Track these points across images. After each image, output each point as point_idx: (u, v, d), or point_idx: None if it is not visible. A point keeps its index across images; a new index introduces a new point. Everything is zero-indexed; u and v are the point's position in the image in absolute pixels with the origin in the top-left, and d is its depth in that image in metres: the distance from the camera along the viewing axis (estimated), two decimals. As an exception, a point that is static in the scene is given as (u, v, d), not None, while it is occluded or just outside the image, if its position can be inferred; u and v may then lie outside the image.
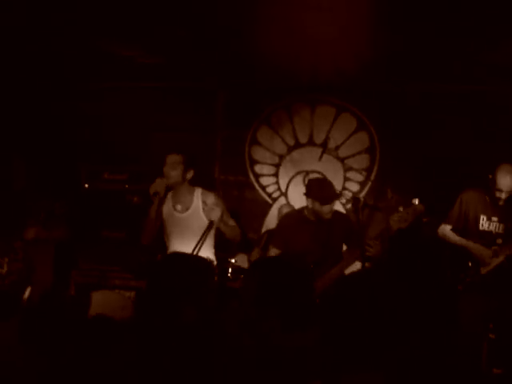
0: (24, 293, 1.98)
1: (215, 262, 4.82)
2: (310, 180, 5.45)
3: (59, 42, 5.56)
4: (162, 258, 3.92)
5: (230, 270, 6.02)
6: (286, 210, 6.41)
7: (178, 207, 4.74)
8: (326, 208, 4.75)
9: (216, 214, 4.51)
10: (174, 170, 4.64)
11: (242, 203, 7.23)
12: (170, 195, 4.80)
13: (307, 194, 4.88)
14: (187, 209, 4.73)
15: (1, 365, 1.82)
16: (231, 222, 4.79)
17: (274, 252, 4.87)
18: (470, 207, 5.22)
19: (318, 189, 4.86)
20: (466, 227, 5.22)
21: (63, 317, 2.83)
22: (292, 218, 5.10)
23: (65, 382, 1.87)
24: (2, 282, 1.88)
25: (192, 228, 4.63)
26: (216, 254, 4.90)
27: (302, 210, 5.03)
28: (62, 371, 1.86)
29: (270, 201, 7.24)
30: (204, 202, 4.70)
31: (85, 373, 1.89)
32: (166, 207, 4.77)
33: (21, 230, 4.80)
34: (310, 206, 4.82)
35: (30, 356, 1.86)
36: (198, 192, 4.77)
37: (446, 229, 5.30)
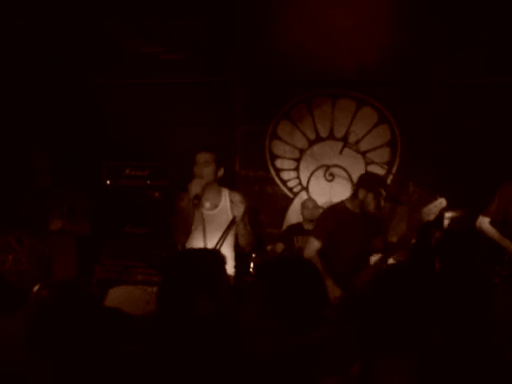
0: (31, 289, 1.97)
1: (234, 257, 4.81)
2: (366, 172, 5.38)
3: (82, 39, 5.59)
4: (172, 255, 3.92)
5: (251, 264, 6.04)
6: (310, 204, 6.41)
7: (207, 205, 4.71)
8: (378, 201, 4.76)
9: (240, 210, 4.49)
10: (206, 168, 4.60)
11: (262, 198, 7.23)
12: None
13: (362, 185, 4.87)
14: (216, 206, 4.71)
15: (5, 363, 1.81)
16: (248, 228, 4.78)
17: (315, 245, 4.84)
18: (509, 201, 5.16)
19: (375, 181, 4.93)
20: (506, 220, 5.16)
21: (80, 311, 2.82)
22: (336, 210, 5.08)
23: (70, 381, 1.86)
24: (7, 277, 1.89)
25: (218, 225, 4.61)
26: (237, 251, 4.89)
27: (343, 203, 5.03)
28: (69, 371, 1.85)
29: (291, 195, 7.23)
30: (231, 201, 4.69)
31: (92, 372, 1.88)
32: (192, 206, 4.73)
33: (45, 223, 4.83)
34: (362, 197, 4.82)
35: (35, 355, 1.85)
36: (226, 191, 4.77)
37: (483, 221, 5.23)
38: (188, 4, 4.76)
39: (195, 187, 4.52)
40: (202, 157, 4.62)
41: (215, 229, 4.61)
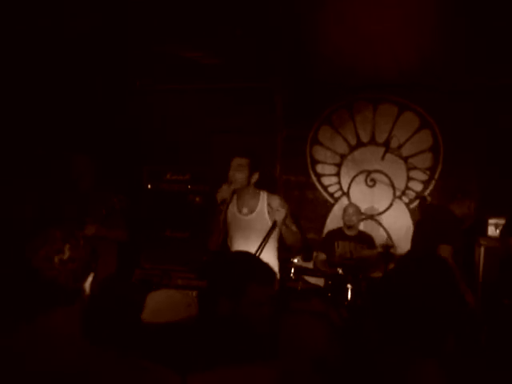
0: (85, 280, 2.00)
1: (277, 264, 4.79)
2: None
3: (125, 44, 5.66)
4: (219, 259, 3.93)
5: (292, 270, 6.02)
6: (351, 210, 6.36)
7: (244, 210, 4.71)
8: None
9: (280, 215, 4.46)
10: (239, 173, 4.60)
11: (303, 203, 7.21)
12: (234, 198, 4.78)
13: None
14: (252, 211, 4.70)
15: (61, 359, 1.82)
16: (294, 228, 4.74)
17: None
18: None
19: None
20: None
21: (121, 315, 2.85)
22: None
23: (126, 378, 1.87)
24: (63, 268, 1.90)
25: (256, 230, 4.60)
26: (279, 256, 4.87)
27: None
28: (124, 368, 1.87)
29: (331, 201, 7.19)
30: (269, 205, 4.65)
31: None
32: (231, 210, 4.73)
33: (81, 227, 4.90)
34: None
35: (93, 350, 1.87)
36: (264, 195, 4.73)
37: None
38: (228, 8, 4.77)
39: (222, 192, 4.55)
40: (236, 161, 4.62)
41: (253, 234, 4.61)
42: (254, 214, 4.69)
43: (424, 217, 5.66)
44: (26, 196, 5.80)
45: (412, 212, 6.82)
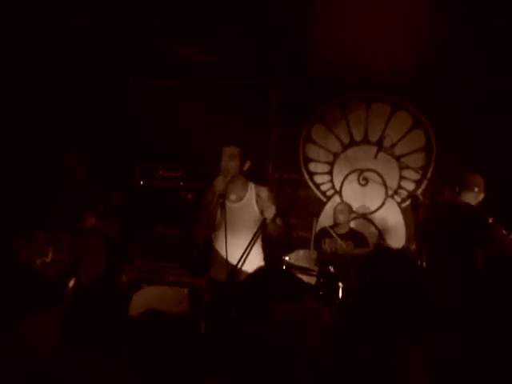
0: (68, 283, 1.99)
1: (262, 260, 4.80)
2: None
3: (120, 41, 5.64)
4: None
5: (283, 267, 6.01)
6: (343, 208, 6.36)
7: (232, 197, 4.71)
8: None
9: (271, 212, 4.46)
10: (233, 161, 4.61)
11: (295, 201, 7.22)
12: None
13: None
14: (241, 199, 4.71)
15: (41, 361, 1.82)
16: (278, 221, 4.75)
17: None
18: None
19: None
20: None
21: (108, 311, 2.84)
22: None
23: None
24: (45, 271, 1.90)
25: (243, 218, 4.61)
26: (264, 252, 4.88)
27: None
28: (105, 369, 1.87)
29: (324, 199, 7.20)
30: (257, 195, 4.69)
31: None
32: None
33: (79, 220, 4.89)
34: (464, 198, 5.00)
35: (71, 353, 1.87)
36: (252, 185, 4.77)
37: None
38: (224, 6, 4.77)
39: (220, 184, 4.52)
40: (228, 150, 4.64)
41: (241, 223, 4.62)
42: (242, 202, 4.71)
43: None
44: (10, 196, 5.78)
45: (404, 211, 6.84)
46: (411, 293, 1.79)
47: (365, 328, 1.88)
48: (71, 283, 2.00)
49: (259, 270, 2.51)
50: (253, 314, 2.16)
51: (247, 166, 4.68)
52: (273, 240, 4.85)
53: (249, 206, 4.69)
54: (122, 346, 2.23)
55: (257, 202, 4.67)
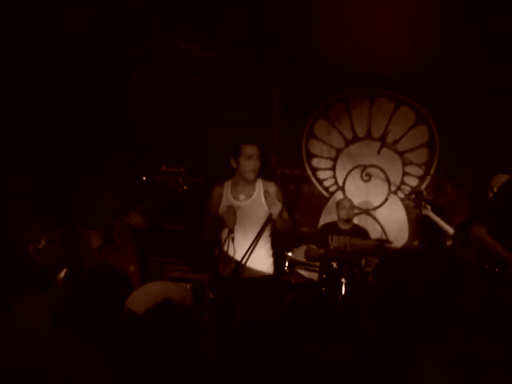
0: (59, 273, 2.03)
1: (271, 256, 4.79)
2: None
3: (121, 36, 5.63)
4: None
5: (286, 263, 6.02)
6: (346, 204, 6.33)
7: (241, 197, 4.68)
8: None
9: (277, 208, 4.44)
10: (257, 161, 4.58)
11: (298, 197, 7.20)
12: (228, 187, 4.75)
13: None
14: (249, 197, 4.68)
15: (30, 349, 1.85)
16: (285, 215, 4.73)
17: None
18: None
19: None
20: None
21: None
22: None
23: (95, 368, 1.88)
24: (37, 256, 1.94)
25: (253, 216, 4.58)
26: (272, 247, 4.86)
27: None
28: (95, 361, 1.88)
29: (326, 195, 7.18)
30: (266, 191, 4.64)
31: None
32: (225, 200, 4.71)
33: (121, 217, 4.95)
34: None
35: (61, 341, 1.90)
36: (260, 182, 4.72)
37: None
38: (226, 0, 4.76)
39: (231, 221, 4.50)
40: (251, 150, 4.58)
41: (251, 220, 4.59)
42: (251, 199, 4.67)
43: None
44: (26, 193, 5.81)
45: (407, 207, 6.83)
46: (434, 295, 1.77)
47: (381, 329, 1.86)
48: (62, 273, 2.05)
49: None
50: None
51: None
52: (281, 235, 4.83)
53: (258, 203, 4.65)
54: (118, 339, 2.26)
55: (265, 198, 4.62)
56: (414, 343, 1.77)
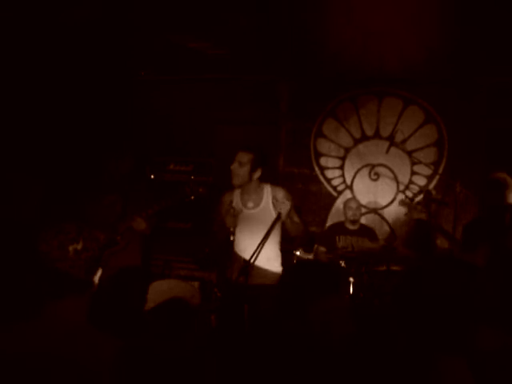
0: (96, 273, 2.03)
1: (280, 255, 4.78)
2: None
3: (130, 35, 5.63)
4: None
5: (294, 262, 6.01)
6: (353, 204, 6.30)
7: (250, 204, 4.68)
8: None
9: (285, 207, 4.43)
10: (241, 168, 4.59)
11: (306, 196, 7.20)
12: (238, 194, 4.75)
13: None
14: (258, 205, 4.68)
15: (70, 346, 1.84)
16: (296, 219, 4.72)
17: None
18: None
19: None
20: None
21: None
22: None
23: (136, 366, 1.89)
24: (77, 257, 1.94)
25: (262, 223, 4.55)
26: (282, 248, 4.85)
27: None
28: (133, 355, 1.88)
29: (334, 194, 7.18)
30: (274, 197, 4.63)
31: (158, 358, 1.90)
32: (235, 205, 4.70)
33: (126, 222, 4.95)
34: None
35: (100, 337, 1.90)
36: (268, 188, 4.69)
37: None
38: (234, 1, 4.76)
39: (230, 222, 4.58)
40: (240, 156, 4.58)
41: (259, 227, 4.57)
42: (259, 208, 4.67)
43: None
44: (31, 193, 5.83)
45: (418, 206, 6.80)
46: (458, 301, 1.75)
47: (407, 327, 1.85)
48: (99, 273, 2.07)
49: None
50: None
51: (257, 174, 4.61)
52: (291, 238, 4.83)
53: (266, 210, 4.63)
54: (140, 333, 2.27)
55: (274, 204, 4.61)
56: (436, 347, 1.75)
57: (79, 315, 1.95)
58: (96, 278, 2.04)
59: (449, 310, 1.73)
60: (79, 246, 1.96)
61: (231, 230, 4.55)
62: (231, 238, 4.56)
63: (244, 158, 4.57)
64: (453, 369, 1.72)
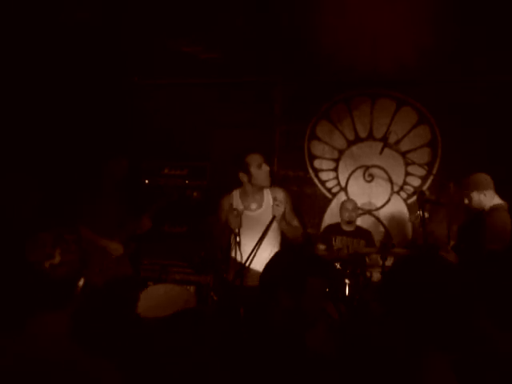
0: (77, 284, 2.01)
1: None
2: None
3: (123, 40, 5.64)
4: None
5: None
6: (349, 205, 6.32)
7: (253, 206, 4.68)
8: None
9: (278, 211, 4.44)
10: (267, 166, 4.59)
11: (301, 198, 7.20)
12: (237, 195, 4.75)
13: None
14: (260, 206, 4.68)
15: (50, 361, 1.84)
16: (295, 222, 4.73)
17: None
18: None
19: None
20: None
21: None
22: None
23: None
24: (54, 272, 1.92)
25: (263, 224, 4.56)
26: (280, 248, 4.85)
27: None
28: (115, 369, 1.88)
29: (329, 196, 7.19)
30: (274, 198, 4.64)
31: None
32: (236, 208, 4.70)
33: (138, 222, 4.96)
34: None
35: (82, 352, 1.89)
36: (267, 189, 4.72)
37: None
38: (228, 3, 4.76)
39: (234, 223, 4.54)
40: (260, 158, 4.59)
41: (259, 228, 4.57)
42: (262, 209, 4.67)
43: None
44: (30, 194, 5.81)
45: (410, 207, 6.83)
46: (447, 300, 1.76)
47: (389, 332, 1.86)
48: (80, 283, 2.02)
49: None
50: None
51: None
52: (290, 241, 4.82)
53: (267, 212, 4.62)
54: (130, 345, 2.25)
55: (275, 205, 4.62)
56: (423, 343, 1.76)
57: (62, 330, 1.93)
58: (77, 289, 2.02)
59: (436, 304, 1.74)
60: (55, 261, 1.95)
61: (236, 231, 4.51)
62: (237, 239, 4.53)
63: (261, 158, 4.58)
64: (435, 368, 1.72)
